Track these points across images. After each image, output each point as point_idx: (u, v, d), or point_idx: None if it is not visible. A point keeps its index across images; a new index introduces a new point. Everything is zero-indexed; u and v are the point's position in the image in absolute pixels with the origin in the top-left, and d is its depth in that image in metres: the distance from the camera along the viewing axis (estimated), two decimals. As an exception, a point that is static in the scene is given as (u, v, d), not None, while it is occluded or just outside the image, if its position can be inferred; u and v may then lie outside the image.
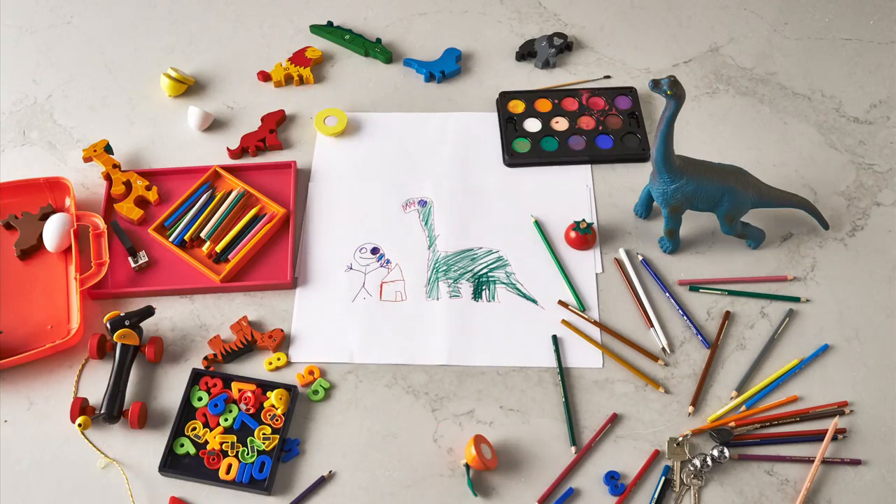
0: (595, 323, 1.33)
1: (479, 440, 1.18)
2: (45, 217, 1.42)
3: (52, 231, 1.38)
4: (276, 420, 1.23)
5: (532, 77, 1.65)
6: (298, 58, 1.64)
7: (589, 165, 1.51)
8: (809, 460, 1.20)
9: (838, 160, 1.52)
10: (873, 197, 1.47)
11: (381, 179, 1.50)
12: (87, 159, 1.48)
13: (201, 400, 1.25)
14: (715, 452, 1.19)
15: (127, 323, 1.27)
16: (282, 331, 1.31)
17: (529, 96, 1.59)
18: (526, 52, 1.66)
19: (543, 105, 1.59)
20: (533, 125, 1.56)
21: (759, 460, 1.21)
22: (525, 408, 1.26)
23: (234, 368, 1.30)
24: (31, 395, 1.27)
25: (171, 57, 1.68)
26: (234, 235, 1.40)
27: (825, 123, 1.57)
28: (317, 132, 1.55)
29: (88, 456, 1.22)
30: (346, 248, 1.42)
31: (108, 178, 1.47)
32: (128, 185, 1.46)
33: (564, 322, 1.33)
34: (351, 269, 1.39)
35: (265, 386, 1.26)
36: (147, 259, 1.39)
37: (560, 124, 1.56)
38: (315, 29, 1.71)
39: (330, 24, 1.71)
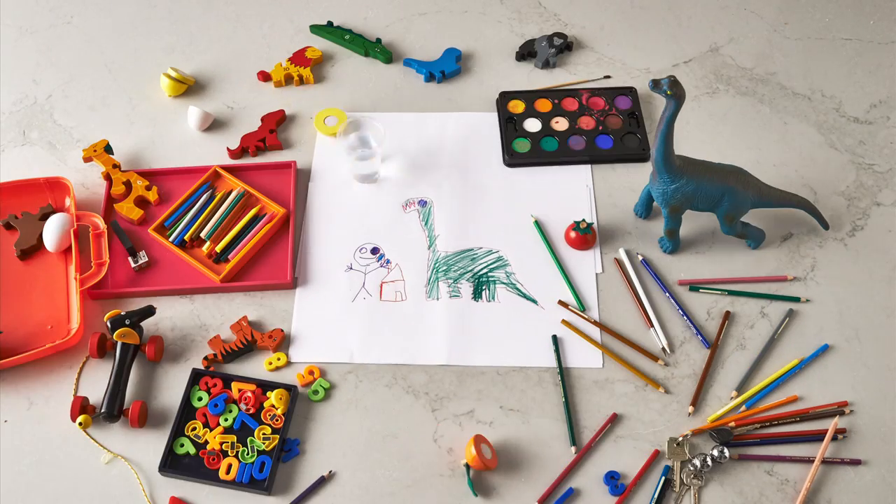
0: (595, 323, 1.33)
1: (478, 440, 1.18)
2: (45, 217, 1.42)
3: (52, 231, 1.38)
4: (276, 420, 1.23)
5: (532, 77, 1.65)
6: (298, 58, 1.64)
7: (589, 165, 1.51)
8: (809, 460, 1.20)
9: (838, 160, 1.52)
10: (873, 197, 1.47)
11: (381, 179, 1.50)
12: (87, 159, 1.48)
13: (201, 400, 1.25)
14: (715, 452, 1.19)
15: (127, 322, 1.27)
16: (282, 331, 1.31)
17: (529, 96, 1.59)
18: (526, 52, 1.66)
19: (543, 105, 1.59)
20: (533, 125, 1.56)
21: (759, 460, 1.21)
22: (525, 408, 1.26)
23: (234, 368, 1.30)
24: (31, 395, 1.27)
25: (171, 57, 1.68)
26: (234, 235, 1.40)
27: (825, 123, 1.57)
28: (317, 132, 1.55)
29: (89, 455, 1.22)
30: (346, 248, 1.42)
31: (108, 178, 1.47)
32: (128, 185, 1.46)
33: (564, 322, 1.33)
34: (351, 269, 1.39)
35: (265, 386, 1.26)
36: (147, 259, 1.39)
37: (560, 124, 1.56)
38: (315, 29, 1.71)
39: (330, 24, 1.71)
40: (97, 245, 1.37)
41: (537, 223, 1.44)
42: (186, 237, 1.40)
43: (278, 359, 1.29)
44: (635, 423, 1.24)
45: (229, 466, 1.19)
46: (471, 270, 1.39)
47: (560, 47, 1.65)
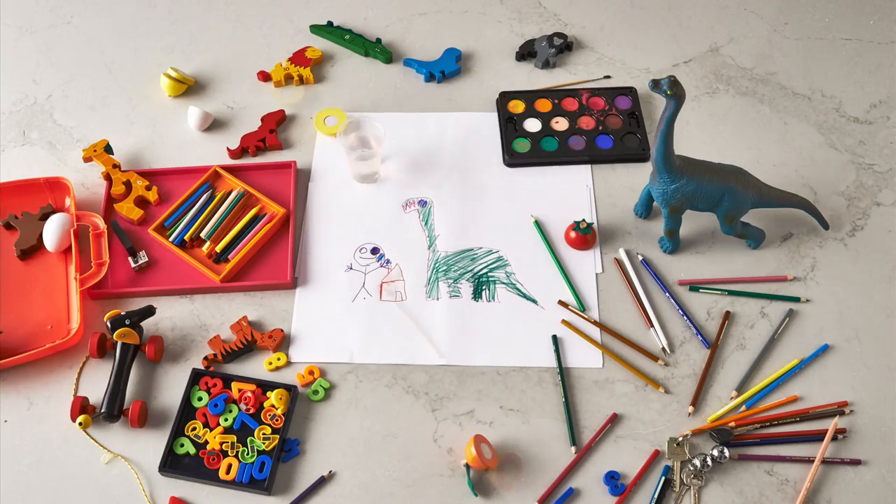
0: (595, 323, 1.33)
1: (479, 440, 1.18)
2: (45, 217, 1.42)
3: (52, 231, 1.38)
4: (276, 420, 1.23)
5: (532, 77, 1.65)
6: (298, 58, 1.64)
7: (589, 165, 1.51)
8: (809, 460, 1.20)
9: (838, 160, 1.52)
10: (873, 197, 1.47)
11: (381, 179, 1.50)
12: (87, 159, 1.48)
13: (201, 400, 1.25)
14: (715, 452, 1.19)
15: (127, 322, 1.27)
16: (282, 331, 1.31)
17: (529, 96, 1.59)
18: (526, 52, 1.66)
19: (543, 105, 1.59)
20: (533, 125, 1.56)
21: (759, 460, 1.21)
22: (525, 408, 1.26)
23: (234, 368, 1.30)
24: (31, 395, 1.27)
25: (171, 57, 1.68)
26: (234, 235, 1.40)
27: (825, 123, 1.57)
28: (317, 132, 1.55)
29: (89, 455, 1.22)
30: (346, 248, 1.42)
31: (108, 178, 1.47)
32: (128, 185, 1.46)
33: (564, 322, 1.33)
34: (351, 269, 1.39)
35: (265, 386, 1.26)
36: (147, 259, 1.39)
37: (560, 124, 1.56)
38: (315, 29, 1.71)
39: (330, 24, 1.71)
40: (97, 245, 1.37)
41: (537, 223, 1.44)
42: (186, 237, 1.40)
43: (278, 359, 1.29)
44: (635, 423, 1.24)
45: (229, 466, 1.19)
46: (471, 270, 1.39)
47: (560, 47, 1.65)
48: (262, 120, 1.56)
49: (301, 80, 1.63)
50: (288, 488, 1.19)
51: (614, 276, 1.39)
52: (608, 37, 1.71)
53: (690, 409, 1.25)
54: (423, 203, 1.47)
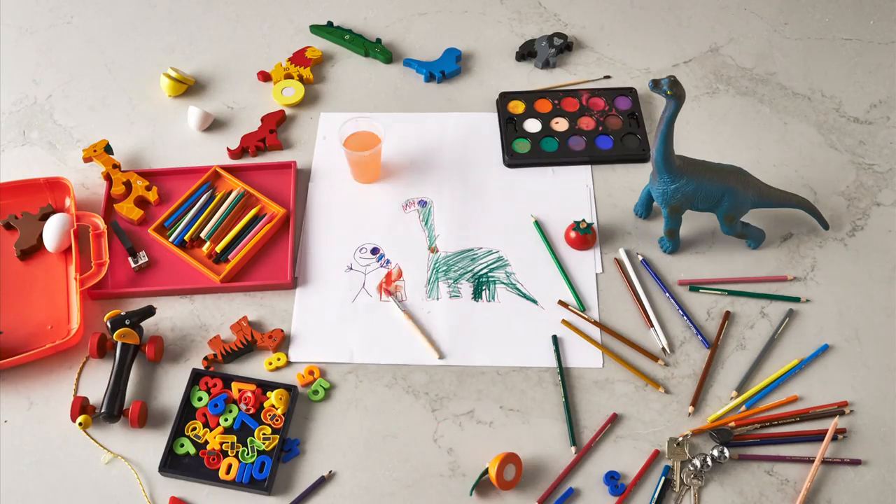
0: (595, 323, 1.33)
1: (508, 459, 1.16)
2: (45, 217, 1.42)
3: (52, 231, 1.38)
4: (276, 420, 1.23)
5: (532, 77, 1.65)
6: (298, 58, 1.64)
7: (589, 166, 1.51)
8: (809, 460, 1.20)
9: (838, 160, 1.52)
10: (873, 197, 1.47)
11: (381, 179, 1.50)
12: (87, 159, 1.48)
13: (201, 400, 1.25)
14: (715, 452, 1.19)
15: (127, 322, 1.27)
16: (282, 331, 1.31)
17: (529, 97, 1.59)
18: (526, 52, 1.66)
19: (543, 105, 1.59)
20: (533, 126, 1.56)
21: (759, 460, 1.21)
22: (525, 408, 1.26)
23: (234, 368, 1.30)
24: (31, 395, 1.27)
25: (171, 57, 1.68)
26: (234, 235, 1.40)
27: (825, 123, 1.57)
28: (317, 132, 1.55)
29: (89, 455, 1.22)
30: (346, 248, 1.42)
31: (108, 178, 1.47)
32: (128, 185, 1.46)
33: (564, 322, 1.33)
34: (351, 269, 1.39)
35: (265, 386, 1.26)
36: (147, 259, 1.39)
37: (560, 125, 1.56)
38: (315, 29, 1.71)
39: (330, 24, 1.71)
40: (97, 245, 1.37)
41: (537, 223, 1.44)
42: (186, 237, 1.40)
43: (278, 359, 1.29)
44: (635, 423, 1.24)
45: (229, 466, 1.19)
46: (471, 270, 1.39)
47: (560, 47, 1.65)
48: (262, 120, 1.56)
49: (301, 80, 1.63)
50: (288, 488, 1.19)
51: (614, 276, 1.39)
52: (608, 37, 1.71)
53: (690, 409, 1.25)
54: (423, 203, 1.47)
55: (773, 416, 1.24)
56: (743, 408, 1.25)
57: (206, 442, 1.22)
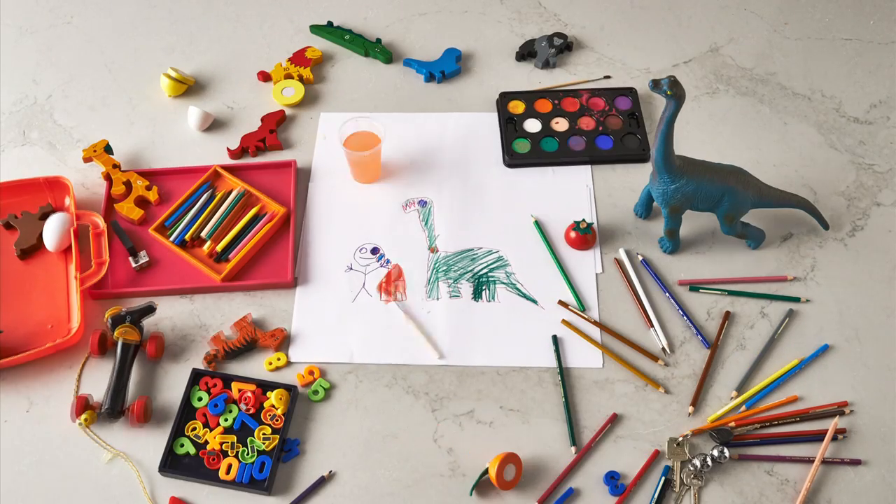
0: (595, 323, 1.33)
1: (508, 459, 1.16)
2: (44, 216, 1.42)
3: (52, 230, 1.38)
4: (276, 420, 1.23)
5: (532, 77, 1.65)
6: (298, 58, 1.64)
7: (589, 166, 1.51)
8: (809, 460, 1.20)
9: (838, 160, 1.52)
10: (873, 197, 1.47)
11: (381, 179, 1.50)
12: (87, 159, 1.48)
13: (201, 400, 1.25)
14: (715, 452, 1.19)
15: (128, 319, 1.27)
16: (283, 330, 1.31)
17: (529, 97, 1.59)
18: (526, 52, 1.66)
19: (543, 105, 1.59)
20: (533, 126, 1.56)
21: (759, 460, 1.21)
22: (525, 408, 1.26)
23: (234, 368, 1.30)
24: (31, 395, 1.27)
25: (171, 57, 1.68)
26: (235, 235, 1.40)
27: (825, 123, 1.57)
28: (317, 132, 1.55)
29: (89, 455, 1.22)
30: (346, 248, 1.42)
31: (108, 178, 1.47)
32: (128, 185, 1.46)
33: (564, 322, 1.33)
34: (351, 269, 1.39)
35: (265, 386, 1.26)
36: (148, 259, 1.39)
37: (560, 125, 1.56)
38: (315, 29, 1.71)
39: (330, 24, 1.71)
40: (97, 244, 1.37)
41: (537, 223, 1.44)
42: (187, 237, 1.40)
43: (278, 359, 1.29)
44: (635, 423, 1.24)
45: (229, 466, 1.19)
46: (471, 270, 1.39)
47: (560, 47, 1.65)
48: (262, 120, 1.56)
49: (301, 80, 1.63)
50: (288, 488, 1.19)
51: (614, 276, 1.39)
52: (608, 37, 1.71)
53: (690, 409, 1.25)
54: (423, 203, 1.47)
55: (773, 416, 1.24)
56: (743, 408, 1.25)
57: (206, 442, 1.22)
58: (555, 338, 1.31)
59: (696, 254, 1.41)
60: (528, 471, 1.20)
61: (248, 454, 1.20)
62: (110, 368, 1.27)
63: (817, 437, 1.22)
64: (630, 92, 1.59)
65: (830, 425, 1.21)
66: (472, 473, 1.19)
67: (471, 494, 1.18)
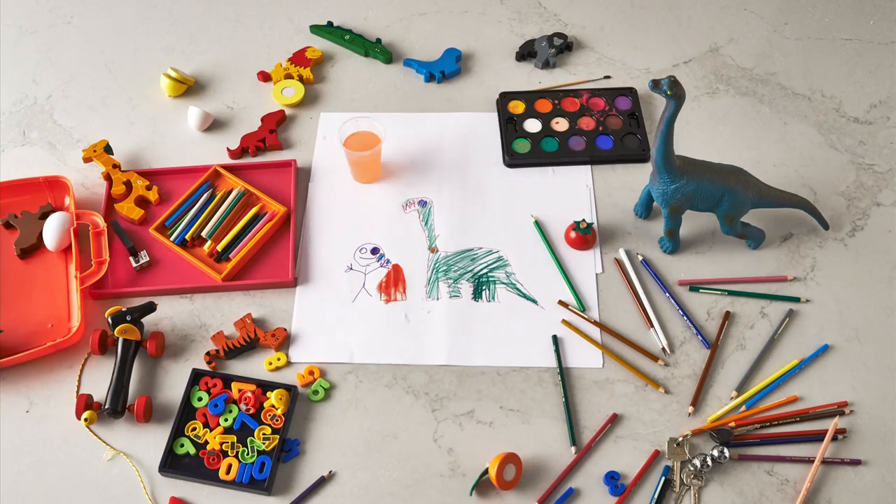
0: (595, 323, 1.33)
1: (508, 459, 1.16)
2: (44, 216, 1.42)
3: (52, 230, 1.38)
4: (276, 420, 1.23)
5: (532, 77, 1.65)
6: (298, 58, 1.64)
7: (589, 166, 1.51)
8: (809, 460, 1.20)
9: (838, 160, 1.52)
10: (873, 197, 1.47)
11: (381, 179, 1.50)
12: (87, 159, 1.48)
13: (201, 400, 1.25)
14: (715, 452, 1.19)
15: (128, 318, 1.27)
16: (284, 329, 1.31)
17: (529, 97, 1.59)
18: (526, 52, 1.66)
19: (543, 105, 1.59)
20: (533, 126, 1.56)
21: (759, 460, 1.21)
22: (525, 408, 1.26)
23: (234, 368, 1.30)
24: (31, 394, 1.27)
25: (171, 57, 1.68)
26: (235, 234, 1.40)
27: (825, 123, 1.57)
28: (317, 132, 1.55)
29: (89, 455, 1.22)
30: (346, 248, 1.42)
31: (108, 178, 1.47)
32: (128, 184, 1.46)
33: (564, 322, 1.33)
34: (351, 269, 1.39)
35: (265, 386, 1.26)
36: (148, 258, 1.39)
37: (560, 125, 1.56)
38: (315, 29, 1.71)
39: (330, 24, 1.71)
40: (97, 243, 1.37)
41: (537, 223, 1.44)
42: (187, 236, 1.40)
43: (278, 359, 1.29)
44: (635, 423, 1.24)
45: (229, 466, 1.19)
46: (471, 270, 1.39)
47: (560, 47, 1.65)
48: (262, 120, 1.56)
49: (301, 80, 1.63)
50: (288, 488, 1.19)
51: (614, 276, 1.39)
52: (608, 37, 1.71)
53: (690, 409, 1.25)
54: (423, 203, 1.47)
55: (773, 416, 1.24)
56: (743, 408, 1.25)
57: (206, 442, 1.22)
58: (555, 338, 1.31)
59: (696, 254, 1.41)
60: (528, 471, 1.20)
61: (248, 454, 1.20)
62: (110, 368, 1.27)
63: (817, 437, 1.22)
64: (630, 92, 1.59)
65: (830, 425, 1.21)
66: (472, 473, 1.20)
67: (471, 494, 1.18)
